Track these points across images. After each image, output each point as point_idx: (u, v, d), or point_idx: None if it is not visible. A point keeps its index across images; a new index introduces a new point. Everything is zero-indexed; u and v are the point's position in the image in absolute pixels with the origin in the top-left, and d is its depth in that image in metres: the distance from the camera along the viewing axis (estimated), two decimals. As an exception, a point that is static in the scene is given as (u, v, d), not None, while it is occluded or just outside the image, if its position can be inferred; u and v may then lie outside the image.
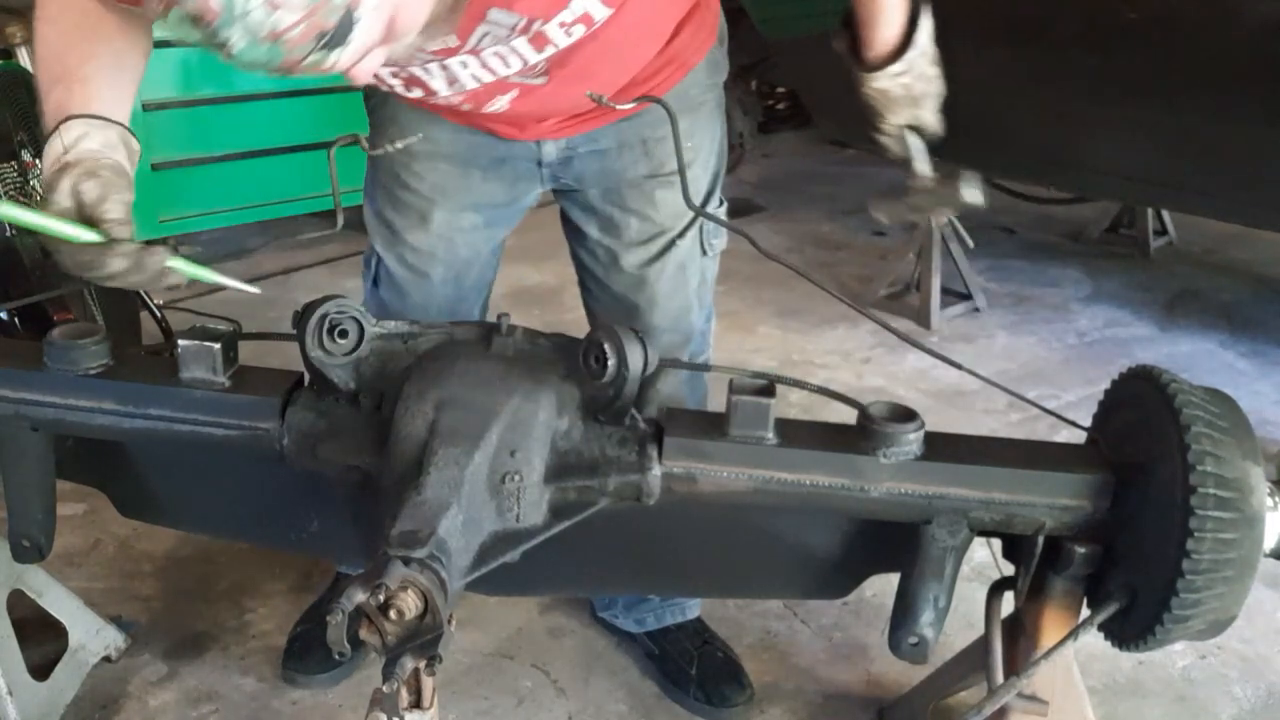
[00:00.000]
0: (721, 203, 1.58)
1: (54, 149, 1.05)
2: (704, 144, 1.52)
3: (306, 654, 1.78)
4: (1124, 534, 1.15)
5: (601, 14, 1.17)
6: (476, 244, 1.58)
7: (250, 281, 1.16)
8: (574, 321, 3.11)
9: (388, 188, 1.53)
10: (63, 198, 1.02)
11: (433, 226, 1.53)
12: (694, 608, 1.86)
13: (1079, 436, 1.30)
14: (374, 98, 1.50)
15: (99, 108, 1.08)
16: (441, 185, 1.51)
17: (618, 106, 1.29)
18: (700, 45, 1.45)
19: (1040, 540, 1.20)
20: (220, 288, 1.15)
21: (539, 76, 1.26)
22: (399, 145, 1.27)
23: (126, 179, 1.06)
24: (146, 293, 2.95)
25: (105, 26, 1.12)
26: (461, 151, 1.48)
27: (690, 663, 1.79)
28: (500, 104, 1.31)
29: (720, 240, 1.60)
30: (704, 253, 1.58)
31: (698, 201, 1.47)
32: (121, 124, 1.09)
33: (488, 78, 1.23)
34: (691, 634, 1.83)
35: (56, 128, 1.05)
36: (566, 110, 1.40)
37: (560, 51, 1.20)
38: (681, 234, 1.54)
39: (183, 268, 1.08)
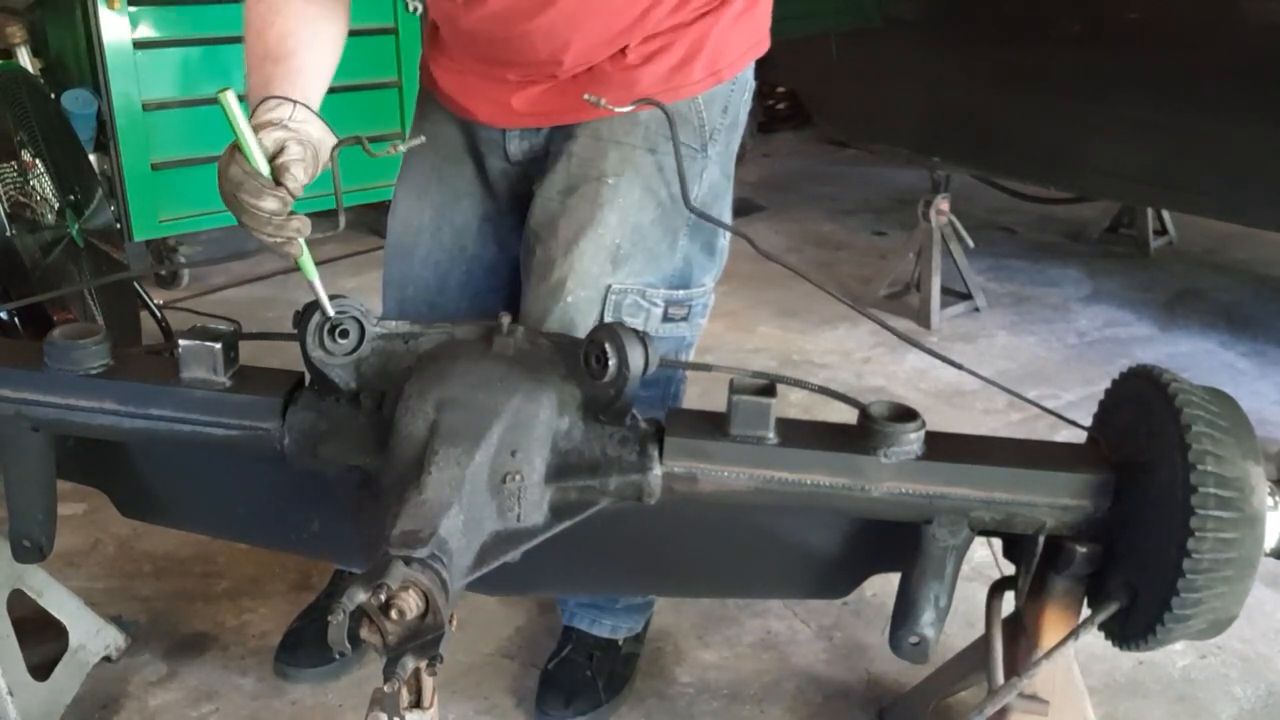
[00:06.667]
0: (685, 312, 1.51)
1: (280, 112, 1.16)
2: (629, 190, 1.42)
3: (298, 649, 1.77)
4: (1124, 533, 1.15)
5: None
6: (465, 241, 1.60)
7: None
8: (574, 321, 3.11)
9: (408, 164, 1.63)
10: (268, 141, 1.12)
11: (426, 204, 1.59)
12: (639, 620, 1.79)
13: (1079, 436, 1.30)
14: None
15: (311, 98, 1.20)
16: (437, 168, 1.58)
17: (605, 106, 1.30)
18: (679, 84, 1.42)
19: (1041, 540, 1.20)
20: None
21: None
22: (403, 148, 1.28)
23: (318, 167, 1.17)
24: (147, 292, 2.96)
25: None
26: (454, 139, 1.57)
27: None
28: None
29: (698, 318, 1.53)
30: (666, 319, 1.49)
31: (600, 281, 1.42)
32: (320, 115, 1.20)
33: None
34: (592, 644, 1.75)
35: (293, 102, 1.17)
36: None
37: None
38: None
39: (305, 251, 1.14)
